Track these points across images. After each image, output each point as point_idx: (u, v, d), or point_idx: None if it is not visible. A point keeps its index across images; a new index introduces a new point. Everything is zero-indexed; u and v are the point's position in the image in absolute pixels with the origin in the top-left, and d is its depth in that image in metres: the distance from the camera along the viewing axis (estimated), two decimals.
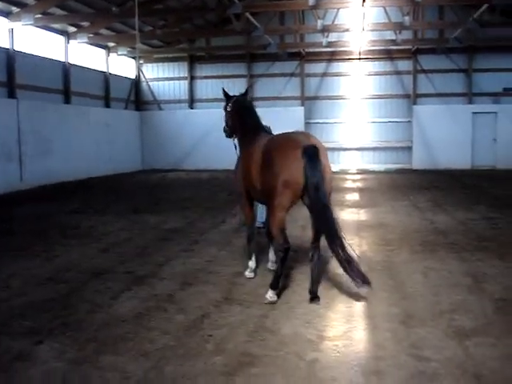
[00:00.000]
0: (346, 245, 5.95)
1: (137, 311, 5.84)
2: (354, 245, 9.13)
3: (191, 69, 28.87)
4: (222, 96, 7.56)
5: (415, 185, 18.96)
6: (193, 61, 28.83)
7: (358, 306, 5.97)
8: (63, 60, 22.59)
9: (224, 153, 27.23)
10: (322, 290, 6.47)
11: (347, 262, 5.90)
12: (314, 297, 6.09)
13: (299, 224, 10.42)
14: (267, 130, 7.33)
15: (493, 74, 26.45)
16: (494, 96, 26.47)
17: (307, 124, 27.41)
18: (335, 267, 7.62)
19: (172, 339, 5.04)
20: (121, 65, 27.95)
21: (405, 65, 27.25)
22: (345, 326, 5.34)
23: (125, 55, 27.23)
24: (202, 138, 27.70)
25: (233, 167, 7.37)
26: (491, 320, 5.46)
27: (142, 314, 5.73)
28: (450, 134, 25.84)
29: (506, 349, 4.75)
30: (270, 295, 6.05)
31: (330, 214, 5.87)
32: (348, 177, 23.03)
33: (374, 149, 27.44)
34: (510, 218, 11.47)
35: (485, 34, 24.47)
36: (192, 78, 28.90)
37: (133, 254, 8.70)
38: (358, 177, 22.93)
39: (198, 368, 4.44)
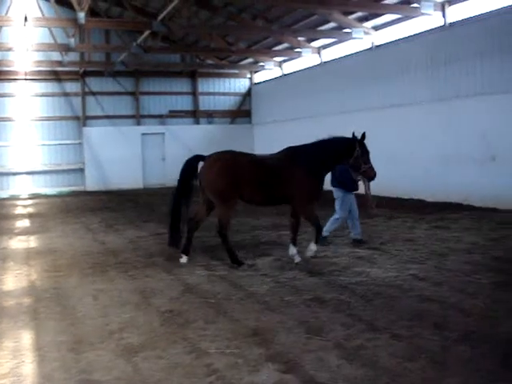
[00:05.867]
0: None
1: None
2: (23, 274, 8.79)
3: None
4: None
5: (88, 207, 18.92)
6: None
7: (26, 340, 5.74)
8: None
9: None
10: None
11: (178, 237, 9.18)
12: None
13: None
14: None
15: (158, 96, 28.23)
16: (161, 117, 28.14)
17: None
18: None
19: None
20: None
21: (73, 86, 27.06)
22: (12, 363, 5.08)
23: None
24: None
25: None
26: (158, 333, 5.76)
27: None
28: (121, 155, 26.50)
29: (171, 358, 5.05)
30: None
31: (175, 202, 9.13)
32: (19, 202, 21.83)
33: (46, 172, 26.49)
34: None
35: (149, 58, 25.74)
36: None
37: None
38: (30, 202, 21.97)
39: None
